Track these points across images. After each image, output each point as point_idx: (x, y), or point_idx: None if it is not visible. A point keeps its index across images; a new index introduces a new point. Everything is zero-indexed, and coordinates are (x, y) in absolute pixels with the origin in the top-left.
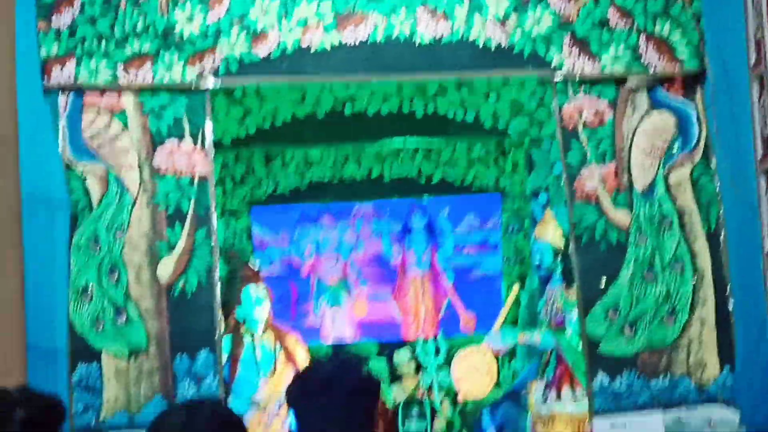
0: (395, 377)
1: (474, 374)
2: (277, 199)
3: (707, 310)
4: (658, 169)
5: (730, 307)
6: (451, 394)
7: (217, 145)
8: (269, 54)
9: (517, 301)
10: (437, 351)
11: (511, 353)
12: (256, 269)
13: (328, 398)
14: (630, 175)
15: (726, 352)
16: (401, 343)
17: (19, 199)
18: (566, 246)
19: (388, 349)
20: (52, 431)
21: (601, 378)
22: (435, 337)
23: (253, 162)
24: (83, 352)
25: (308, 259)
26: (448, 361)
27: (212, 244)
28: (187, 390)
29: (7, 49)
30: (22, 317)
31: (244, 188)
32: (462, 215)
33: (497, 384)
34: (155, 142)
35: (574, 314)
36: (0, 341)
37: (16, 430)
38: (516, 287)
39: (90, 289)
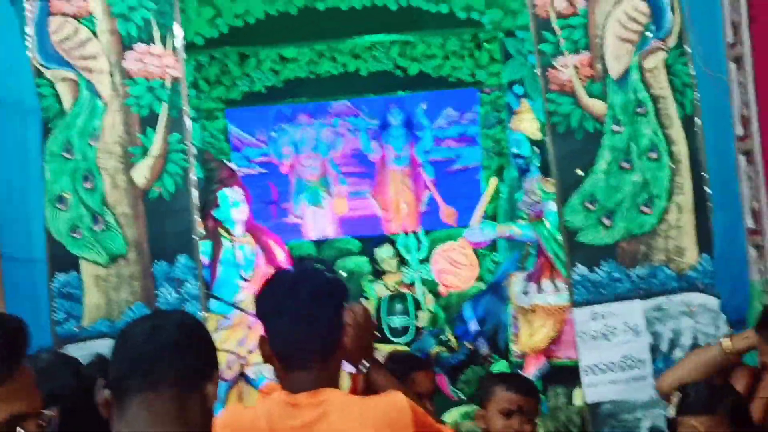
0: (378, 273)
1: (455, 268)
2: (253, 98)
3: (685, 197)
4: (632, 56)
5: (708, 192)
6: (434, 289)
7: (190, 46)
8: None
9: (496, 194)
10: (419, 245)
11: (492, 246)
12: (233, 170)
13: (293, 302)
14: (604, 63)
15: (704, 239)
16: (383, 239)
17: None
18: (543, 137)
19: (369, 245)
20: (17, 354)
21: (580, 269)
22: (416, 232)
23: (227, 62)
24: (62, 260)
25: (287, 158)
26: (429, 255)
27: (187, 146)
28: (167, 295)
29: None
30: None
31: (219, 89)
32: (440, 109)
33: (479, 277)
34: (125, 45)
35: (552, 205)
36: None
37: None
38: (494, 180)
39: (66, 197)
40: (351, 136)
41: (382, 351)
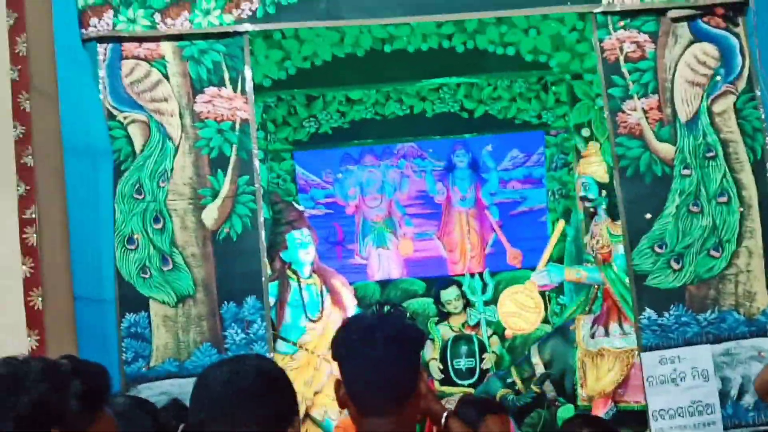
0: (443, 315)
1: (521, 311)
2: (320, 140)
3: (755, 241)
4: (702, 100)
5: None
6: (500, 331)
7: (258, 88)
8: None
9: (562, 237)
10: (484, 287)
11: (558, 289)
12: (300, 211)
13: (370, 347)
14: (673, 106)
15: None
16: (448, 280)
17: (61, 151)
18: (610, 180)
19: (434, 286)
20: (101, 400)
21: (649, 312)
22: (481, 274)
23: (295, 104)
24: (131, 300)
25: (352, 199)
26: (495, 297)
27: (255, 188)
28: (235, 336)
29: (43, 1)
30: (69, 269)
31: (286, 130)
32: (505, 151)
33: (545, 320)
34: (195, 88)
35: (620, 248)
36: (50, 293)
37: (73, 403)
38: (561, 223)
39: (135, 237)
40: (417, 178)
41: (449, 393)
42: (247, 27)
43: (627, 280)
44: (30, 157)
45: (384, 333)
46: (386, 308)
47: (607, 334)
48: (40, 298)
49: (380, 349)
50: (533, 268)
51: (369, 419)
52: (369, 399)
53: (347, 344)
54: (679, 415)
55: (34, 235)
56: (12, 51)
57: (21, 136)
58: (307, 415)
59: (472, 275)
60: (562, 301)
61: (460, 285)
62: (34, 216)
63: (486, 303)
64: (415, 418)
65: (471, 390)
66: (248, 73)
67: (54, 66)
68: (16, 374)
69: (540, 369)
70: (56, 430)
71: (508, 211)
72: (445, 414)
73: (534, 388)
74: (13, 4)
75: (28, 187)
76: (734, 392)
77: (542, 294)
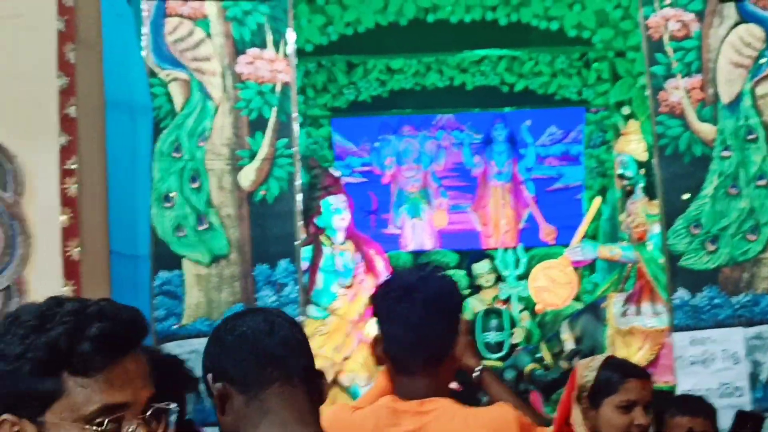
0: (474, 288)
1: (553, 286)
2: (359, 107)
3: None
4: (745, 82)
5: None
6: (530, 306)
7: (299, 52)
8: None
9: (598, 214)
10: (517, 262)
11: (590, 267)
12: (336, 177)
13: (409, 304)
14: (716, 87)
15: None
16: (480, 254)
17: (103, 105)
18: (649, 159)
19: (467, 259)
20: (130, 347)
21: (682, 293)
22: (515, 248)
23: (335, 70)
24: (165, 258)
25: (389, 168)
26: (527, 273)
27: (293, 151)
28: (268, 298)
29: None
30: (106, 222)
31: (326, 96)
32: (544, 127)
33: (576, 297)
34: (238, 49)
35: (656, 228)
36: (87, 245)
37: (86, 346)
38: (598, 200)
39: (172, 196)
40: (454, 150)
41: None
42: None
43: (661, 260)
44: (73, 107)
45: (423, 294)
46: (427, 268)
47: (639, 312)
48: (77, 249)
49: (418, 310)
50: (567, 245)
51: (404, 378)
52: (404, 359)
53: (385, 303)
54: (708, 397)
55: (74, 186)
56: (59, 1)
57: (65, 86)
58: (335, 381)
59: (505, 249)
60: (593, 279)
61: (492, 259)
62: (74, 167)
63: (518, 278)
64: (449, 379)
65: (499, 363)
66: (291, 35)
67: (99, 19)
68: (44, 314)
69: (570, 345)
70: (67, 373)
71: (544, 188)
72: (479, 368)
73: (563, 363)
74: None
75: (70, 138)
76: (764, 376)
77: (575, 270)
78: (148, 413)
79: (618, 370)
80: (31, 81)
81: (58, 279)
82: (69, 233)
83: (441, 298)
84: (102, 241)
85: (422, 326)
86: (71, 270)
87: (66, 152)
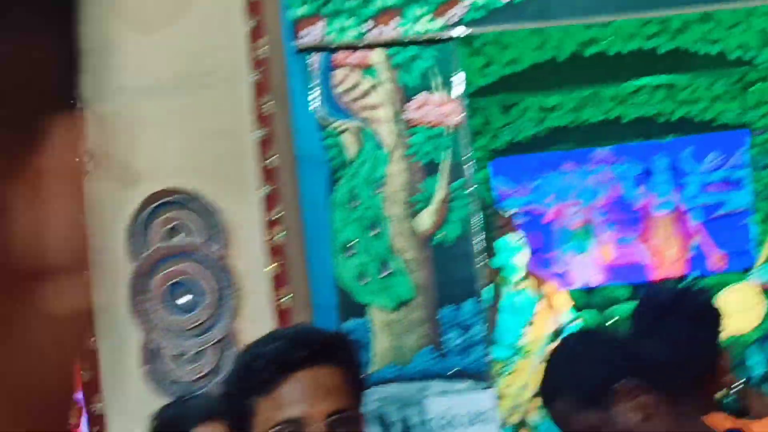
0: None
1: (739, 310)
2: (516, 148)
3: None
4: None
5: None
6: None
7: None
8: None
9: None
10: None
11: None
12: (508, 217)
13: (671, 324)
14: None
15: None
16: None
17: (295, 155)
18: None
19: (638, 292)
20: (297, 364)
21: None
22: (684, 278)
23: (492, 111)
24: (350, 307)
25: (550, 206)
26: None
27: (469, 192)
28: (453, 340)
29: (271, 10)
30: (306, 272)
31: (484, 138)
32: (705, 154)
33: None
34: (406, 95)
35: None
36: (297, 296)
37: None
38: None
39: (352, 244)
40: (614, 183)
41: None
42: (458, 32)
43: None
44: (274, 157)
45: (685, 311)
46: (686, 284)
47: None
48: (288, 297)
49: (682, 326)
50: (737, 272)
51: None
52: (667, 377)
53: (642, 318)
54: None
55: (281, 235)
56: (252, 55)
57: (264, 137)
58: (522, 423)
59: (674, 280)
60: None
61: None
62: (280, 215)
63: None
64: (713, 397)
65: None
66: (459, 76)
67: (285, 71)
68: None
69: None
70: (253, 395)
71: (708, 215)
72: (740, 381)
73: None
74: (254, 9)
75: (272, 188)
76: None
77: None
78: (326, 423)
79: None
80: (229, 135)
81: (269, 328)
82: (279, 282)
83: (703, 314)
84: (305, 290)
85: (684, 347)
86: (283, 319)
87: (269, 202)
